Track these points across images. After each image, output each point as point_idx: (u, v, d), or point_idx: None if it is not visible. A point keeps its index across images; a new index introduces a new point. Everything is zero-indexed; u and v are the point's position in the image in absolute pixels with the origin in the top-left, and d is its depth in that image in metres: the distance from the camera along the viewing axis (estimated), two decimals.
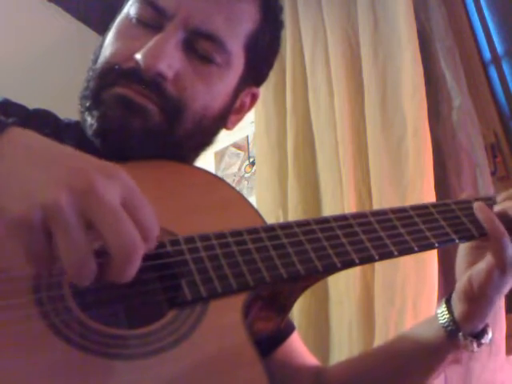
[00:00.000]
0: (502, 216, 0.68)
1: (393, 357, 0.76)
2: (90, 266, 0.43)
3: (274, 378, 0.77)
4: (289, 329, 0.83)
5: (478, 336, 0.70)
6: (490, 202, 0.71)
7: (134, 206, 0.44)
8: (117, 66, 0.68)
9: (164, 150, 0.70)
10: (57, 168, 0.45)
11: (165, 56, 0.66)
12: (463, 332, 0.69)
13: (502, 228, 0.65)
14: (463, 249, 0.72)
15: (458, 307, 0.69)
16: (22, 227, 0.42)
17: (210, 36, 0.70)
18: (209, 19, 0.69)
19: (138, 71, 0.66)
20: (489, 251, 0.67)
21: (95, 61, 0.72)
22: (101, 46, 0.73)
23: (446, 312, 0.70)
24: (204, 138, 0.77)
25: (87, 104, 0.69)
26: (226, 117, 0.78)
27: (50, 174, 0.44)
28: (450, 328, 0.69)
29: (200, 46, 0.69)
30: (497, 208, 0.69)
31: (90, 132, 0.69)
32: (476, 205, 0.68)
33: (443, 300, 0.73)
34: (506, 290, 0.69)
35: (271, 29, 0.79)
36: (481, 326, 0.70)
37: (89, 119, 0.68)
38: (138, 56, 0.66)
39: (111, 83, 0.68)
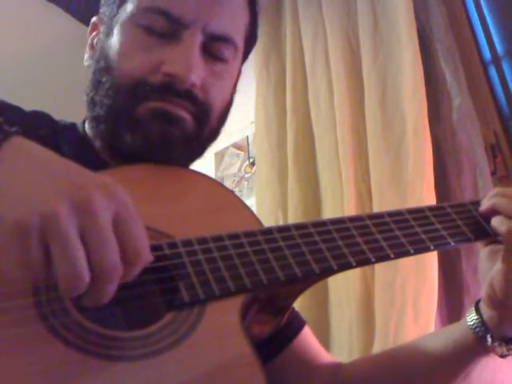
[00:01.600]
0: (491, 212, 0.68)
1: (416, 356, 0.75)
2: (83, 280, 0.43)
3: (287, 376, 0.78)
4: (300, 324, 0.83)
5: (508, 341, 0.68)
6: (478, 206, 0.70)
7: (126, 228, 0.46)
8: (147, 81, 0.69)
9: (194, 153, 0.75)
10: (58, 180, 0.45)
11: (196, 67, 0.69)
12: (492, 335, 0.67)
13: None
14: (484, 255, 0.71)
15: (487, 312, 0.69)
16: (19, 233, 0.42)
17: (224, 37, 0.73)
18: (220, 22, 0.72)
19: (171, 84, 0.68)
20: (503, 253, 0.66)
21: (106, 71, 0.71)
22: (106, 56, 0.72)
23: (475, 314, 0.70)
24: (220, 130, 0.80)
25: (119, 121, 0.70)
26: (232, 103, 0.82)
27: (51, 185, 0.45)
28: (478, 330, 0.68)
29: (215, 48, 0.73)
30: (486, 203, 0.69)
31: (126, 149, 0.69)
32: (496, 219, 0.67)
33: (473, 304, 0.72)
34: None
35: (255, 17, 0.83)
36: None
37: (127, 137, 0.69)
38: (171, 69, 0.68)
39: (143, 98, 0.69)
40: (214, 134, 0.77)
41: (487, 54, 1.57)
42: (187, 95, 0.69)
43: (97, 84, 0.72)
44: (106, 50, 0.73)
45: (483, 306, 0.69)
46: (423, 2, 1.58)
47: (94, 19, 0.81)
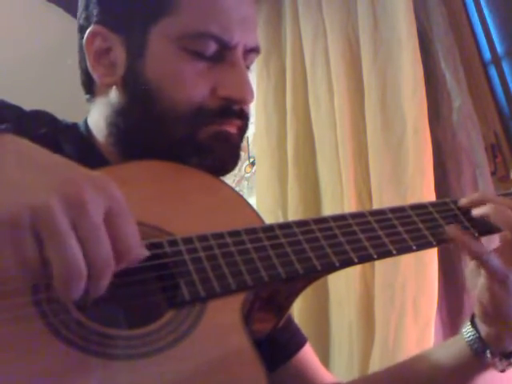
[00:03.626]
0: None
1: (413, 376, 0.74)
2: (80, 276, 0.43)
3: None
4: (301, 340, 0.82)
5: (509, 355, 0.66)
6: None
7: (116, 222, 0.45)
8: (206, 107, 0.69)
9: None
10: (48, 176, 0.45)
11: (250, 86, 0.71)
12: (491, 351, 0.66)
13: (478, 247, 0.64)
14: (468, 271, 0.69)
15: (483, 328, 0.67)
16: (11, 228, 0.41)
17: (256, 49, 0.75)
18: (253, 36, 0.74)
19: (229, 107, 0.70)
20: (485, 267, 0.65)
21: (155, 100, 0.69)
22: (150, 84, 0.69)
23: (471, 329, 0.68)
24: None
25: (181, 147, 0.70)
26: None
27: (42, 180, 0.44)
28: (476, 346, 0.67)
29: (249, 60, 0.75)
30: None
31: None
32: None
33: (468, 318, 0.71)
34: None
35: None
36: None
37: (194, 160, 0.70)
38: (228, 93, 0.69)
39: (204, 124, 0.70)
40: None
41: (487, 54, 1.57)
42: (241, 113, 0.72)
43: (143, 112, 0.70)
44: (147, 76, 0.69)
45: (479, 322, 0.68)
46: (423, 2, 1.59)
47: (95, 28, 0.73)
